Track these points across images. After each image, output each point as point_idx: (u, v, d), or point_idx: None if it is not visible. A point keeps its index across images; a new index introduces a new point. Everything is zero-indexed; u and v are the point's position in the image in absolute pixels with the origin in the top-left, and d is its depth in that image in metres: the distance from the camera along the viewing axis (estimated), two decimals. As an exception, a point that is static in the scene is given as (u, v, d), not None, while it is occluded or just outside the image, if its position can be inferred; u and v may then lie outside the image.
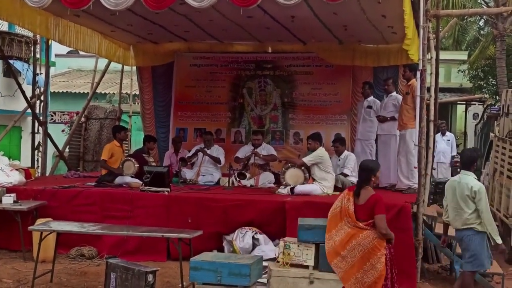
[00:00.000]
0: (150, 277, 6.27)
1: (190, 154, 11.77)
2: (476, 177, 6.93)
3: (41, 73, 14.45)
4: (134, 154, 11.36)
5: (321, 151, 9.58)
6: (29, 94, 13.81)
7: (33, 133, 13.95)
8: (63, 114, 22.60)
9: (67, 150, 15.32)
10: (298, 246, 6.64)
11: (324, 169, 9.43)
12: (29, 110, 13.82)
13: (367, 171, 6.41)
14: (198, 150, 11.59)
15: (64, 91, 23.06)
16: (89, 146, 15.81)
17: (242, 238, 8.41)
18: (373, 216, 6.09)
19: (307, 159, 9.52)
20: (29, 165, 13.28)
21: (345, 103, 13.02)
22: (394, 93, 10.79)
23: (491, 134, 13.20)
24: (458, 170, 16.27)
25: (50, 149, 14.35)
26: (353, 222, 6.13)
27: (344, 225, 6.22)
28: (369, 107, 11.40)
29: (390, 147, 10.47)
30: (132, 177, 10.32)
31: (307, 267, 6.54)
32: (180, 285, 7.02)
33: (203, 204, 8.87)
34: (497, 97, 19.98)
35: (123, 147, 11.53)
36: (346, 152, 10.60)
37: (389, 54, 12.20)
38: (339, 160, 10.44)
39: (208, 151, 11.53)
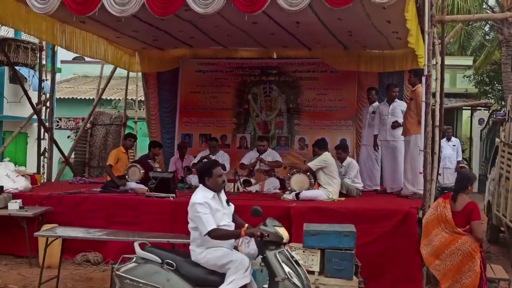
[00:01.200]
0: (155, 283, 6.26)
1: (195, 161, 11.77)
2: None
3: (47, 80, 14.50)
4: (139, 160, 11.37)
5: (326, 156, 9.58)
6: (35, 100, 13.86)
7: (39, 139, 14.00)
8: (69, 120, 22.69)
9: (72, 156, 15.36)
10: (304, 251, 6.64)
11: (330, 174, 9.42)
12: (35, 116, 13.86)
13: (466, 180, 6.93)
14: (203, 157, 11.60)
15: (70, 97, 23.18)
16: (95, 152, 15.85)
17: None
18: (470, 222, 6.58)
19: (312, 164, 9.53)
20: (35, 171, 13.31)
21: (350, 109, 13.02)
22: (397, 99, 10.88)
23: (497, 140, 13.17)
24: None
25: (56, 155, 14.40)
26: (452, 228, 6.64)
27: (441, 231, 6.72)
28: (374, 112, 11.40)
29: (399, 152, 10.44)
30: (137, 183, 10.34)
31: (312, 272, 6.53)
32: (186, 291, 7.01)
33: (208, 210, 8.85)
34: (503, 103, 19.98)
35: (129, 154, 11.56)
36: (348, 159, 10.56)
37: (394, 59, 12.20)
38: (341, 167, 10.39)
39: (213, 157, 11.53)
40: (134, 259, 5.78)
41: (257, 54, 13.56)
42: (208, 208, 5.68)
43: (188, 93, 14.08)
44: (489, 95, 23.07)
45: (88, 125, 15.81)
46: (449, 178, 14.79)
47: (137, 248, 5.85)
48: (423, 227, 7.03)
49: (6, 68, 18.71)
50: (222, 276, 5.59)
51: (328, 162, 9.50)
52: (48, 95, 14.15)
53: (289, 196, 9.42)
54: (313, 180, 9.50)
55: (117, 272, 5.71)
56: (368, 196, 10.38)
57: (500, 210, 10.78)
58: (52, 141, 13.45)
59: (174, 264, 5.62)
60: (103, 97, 17.02)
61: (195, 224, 5.70)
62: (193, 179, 11.52)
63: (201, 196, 5.79)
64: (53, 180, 13.45)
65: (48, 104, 14.06)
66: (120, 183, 10.39)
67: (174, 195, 9.28)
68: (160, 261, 5.66)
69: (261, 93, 13.68)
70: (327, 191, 9.33)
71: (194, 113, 13.99)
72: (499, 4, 20.10)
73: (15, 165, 11.67)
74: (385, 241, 7.94)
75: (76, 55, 17.54)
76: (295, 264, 5.54)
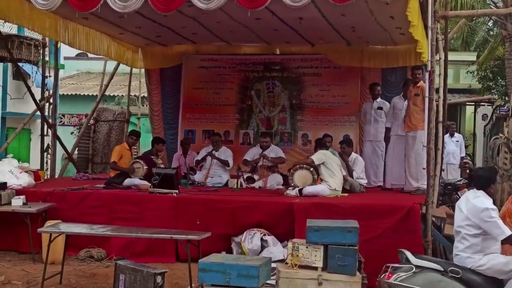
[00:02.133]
0: (159, 279, 6.27)
1: (198, 157, 11.76)
2: None
3: (50, 76, 14.51)
4: (142, 156, 11.38)
5: (324, 150, 9.72)
6: (38, 96, 13.87)
7: (42, 136, 14.01)
8: (72, 117, 22.73)
9: (76, 152, 15.37)
10: (307, 247, 6.62)
11: (331, 169, 9.45)
12: (38, 113, 13.88)
13: None
14: (207, 154, 11.58)
15: (73, 93, 23.20)
16: (98, 148, 15.86)
17: (251, 239, 8.41)
18: None
19: (314, 157, 9.58)
20: (38, 167, 13.31)
21: (353, 105, 13.00)
22: None
23: (500, 135, 13.15)
24: (467, 171, 16.36)
25: (59, 152, 14.41)
26: None
27: (508, 226, 6.73)
28: (380, 108, 11.38)
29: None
30: (140, 179, 10.36)
31: (315, 268, 6.52)
32: (189, 287, 7.03)
33: (211, 206, 8.87)
34: (506, 98, 19.88)
35: (132, 151, 11.57)
36: (354, 155, 10.59)
37: (397, 55, 12.18)
38: (347, 163, 10.43)
39: (216, 153, 11.55)
40: (413, 269, 5.58)
41: (260, 50, 13.56)
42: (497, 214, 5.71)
43: (191, 89, 14.08)
44: (492, 91, 22.96)
45: (91, 121, 15.82)
46: (452, 174, 14.80)
47: (411, 257, 5.72)
48: None
49: (9, 65, 18.73)
50: (499, 283, 5.56)
51: (326, 154, 9.59)
52: (51, 92, 14.17)
53: (292, 192, 9.42)
54: (316, 176, 9.50)
55: (392, 282, 5.51)
56: (371, 192, 10.39)
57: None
58: (55, 137, 13.47)
59: (460, 272, 5.49)
60: (106, 93, 17.01)
61: (482, 230, 5.65)
62: (196, 175, 11.54)
63: (489, 202, 5.76)
64: (56, 176, 13.46)
65: (51, 100, 14.08)
66: (128, 170, 10.43)
67: (177, 191, 9.28)
68: (442, 269, 5.54)
69: (264, 89, 13.67)
70: (328, 184, 9.34)
71: (197, 109, 13.99)
72: (503, -1, 20.01)
73: (18, 161, 11.69)
74: (389, 237, 7.93)
75: (79, 51, 17.53)
76: None
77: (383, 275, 5.65)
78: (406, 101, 10.61)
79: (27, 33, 16.17)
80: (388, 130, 11.03)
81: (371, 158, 11.42)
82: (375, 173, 11.40)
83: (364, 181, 10.37)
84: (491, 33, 26.00)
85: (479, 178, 5.94)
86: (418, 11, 8.25)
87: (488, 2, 22.53)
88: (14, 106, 19.77)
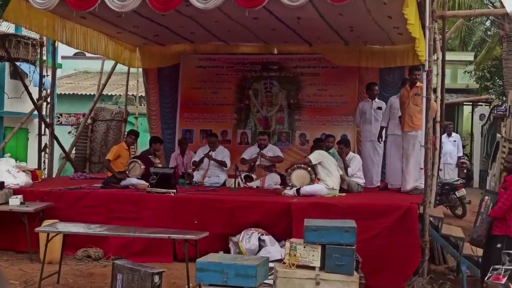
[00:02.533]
0: (156, 278, 6.27)
1: (195, 158, 11.74)
2: None
3: (47, 75, 14.48)
4: (140, 156, 11.37)
5: (319, 150, 9.75)
6: (35, 96, 13.85)
7: (39, 135, 13.98)
8: (70, 116, 22.72)
9: (73, 151, 15.35)
10: (304, 247, 6.63)
11: (328, 167, 9.46)
12: (35, 112, 13.84)
13: None
14: (204, 156, 11.56)
15: (71, 93, 23.19)
16: (96, 148, 15.84)
17: (248, 239, 8.41)
18: None
19: (312, 157, 9.60)
20: (36, 166, 13.30)
21: (351, 104, 12.98)
22: None
23: (498, 135, 13.18)
24: (464, 171, 16.34)
25: (57, 151, 14.40)
26: None
27: None
28: (379, 108, 11.36)
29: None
30: (138, 178, 10.35)
31: (313, 268, 6.53)
32: (187, 286, 7.03)
33: (209, 206, 8.87)
34: (504, 98, 19.92)
35: (130, 150, 11.56)
36: (351, 154, 10.57)
37: (395, 55, 12.19)
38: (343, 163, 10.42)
39: (213, 153, 11.54)
40: None
41: (258, 49, 13.54)
42: None
43: (189, 89, 14.07)
44: (490, 91, 23.00)
45: (89, 121, 15.80)
46: (449, 174, 14.80)
47: None
48: None
49: (7, 64, 18.74)
50: None
51: (322, 154, 9.62)
52: (48, 91, 14.13)
53: (289, 191, 9.42)
54: (314, 176, 9.50)
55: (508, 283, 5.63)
56: (369, 191, 10.39)
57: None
58: (53, 136, 13.44)
59: None
60: (104, 92, 17.01)
61: None
62: (194, 174, 11.53)
63: None
64: (54, 176, 13.44)
65: (49, 99, 14.04)
66: (120, 176, 10.44)
67: (175, 190, 9.28)
68: None
69: (262, 89, 13.67)
70: (326, 184, 9.35)
71: (195, 109, 13.99)
72: (500, -1, 20.02)
73: (16, 160, 11.68)
74: (386, 237, 7.94)
75: (77, 50, 17.54)
76: None
77: (492, 276, 5.70)
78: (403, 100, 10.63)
79: (25, 32, 16.16)
80: (381, 129, 11.02)
81: (373, 158, 11.35)
82: (377, 173, 11.37)
83: (361, 180, 10.37)
84: (489, 33, 26.01)
85: None
86: (416, 11, 8.26)
87: (485, 2, 22.52)
88: (12, 106, 19.77)
